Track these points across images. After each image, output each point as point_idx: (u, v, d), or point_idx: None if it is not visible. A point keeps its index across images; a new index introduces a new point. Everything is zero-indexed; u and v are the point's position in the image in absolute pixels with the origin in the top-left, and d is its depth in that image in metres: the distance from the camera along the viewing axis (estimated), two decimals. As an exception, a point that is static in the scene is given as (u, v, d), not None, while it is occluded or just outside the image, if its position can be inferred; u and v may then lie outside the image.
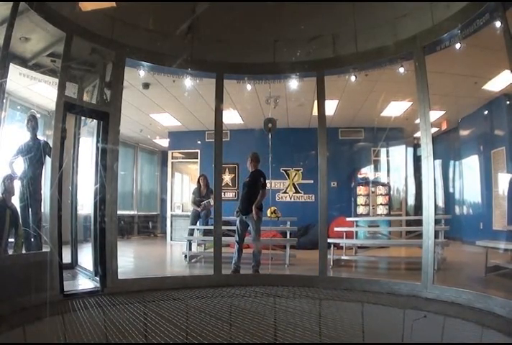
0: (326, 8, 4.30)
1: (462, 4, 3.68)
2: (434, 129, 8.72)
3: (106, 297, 3.71)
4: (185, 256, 6.62)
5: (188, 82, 5.56)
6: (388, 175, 9.52)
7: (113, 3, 4.03)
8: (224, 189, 8.23)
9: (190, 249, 6.67)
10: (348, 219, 7.56)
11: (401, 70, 5.05)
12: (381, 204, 9.13)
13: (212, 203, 7.10)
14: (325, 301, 3.97)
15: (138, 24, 4.41)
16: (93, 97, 4.74)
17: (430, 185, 3.94)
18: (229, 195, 9.79)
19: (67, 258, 4.86)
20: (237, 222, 5.57)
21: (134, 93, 6.80)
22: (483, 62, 5.33)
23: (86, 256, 5.13)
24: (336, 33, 4.70)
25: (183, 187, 10.99)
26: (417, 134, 7.12)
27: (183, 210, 10.15)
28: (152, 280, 4.52)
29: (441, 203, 9.77)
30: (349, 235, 6.80)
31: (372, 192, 9.17)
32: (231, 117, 8.50)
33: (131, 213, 11.43)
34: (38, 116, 4.97)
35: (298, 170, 9.72)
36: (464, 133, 9.07)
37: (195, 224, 7.57)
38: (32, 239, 4.45)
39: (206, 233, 7.22)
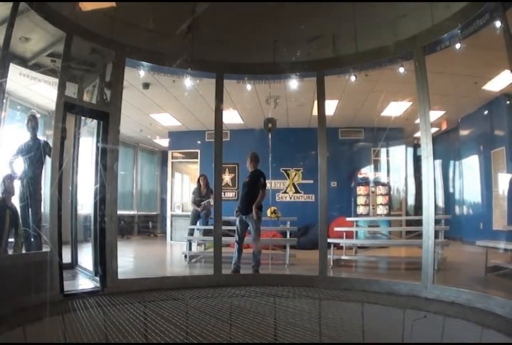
0: (326, 8, 4.30)
1: (462, 4, 3.68)
2: (434, 129, 8.74)
3: (106, 297, 3.71)
4: (185, 256, 6.62)
5: (188, 82, 5.55)
6: (388, 174, 9.52)
7: (113, 3, 4.02)
8: (223, 189, 8.25)
9: (190, 248, 6.67)
10: (348, 219, 7.56)
11: (401, 70, 5.05)
12: (381, 204, 9.13)
13: (212, 203, 7.11)
14: (325, 301, 3.97)
15: (138, 24, 4.41)
16: (93, 97, 4.74)
17: (430, 185, 3.94)
18: (229, 195, 9.79)
19: (67, 258, 4.86)
20: (237, 222, 5.57)
21: (134, 93, 6.80)
22: (483, 62, 5.33)
23: (86, 256, 5.13)
24: (336, 33, 4.70)
25: (183, 187, 11.00)
26: (417, 134, 7.11)
27: (183, 210, 10.15)
28: (152, 280, 4.52)
29: (441, 203, 9.78)
30: (349, 235, 6.80)
31: (372, 192, 9.17)
32: (231, 117, 8.50)
33: (131, 213, 11.44)
34: (38, 116, 4.96)
35: (298, 170, 9.72)
36: (464, 133, 9.07)
37: (195, 224, 7.57)
38: (32, 239, 4.45)
39: (206, 233, 7.23)
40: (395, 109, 7.69)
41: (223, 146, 4.93)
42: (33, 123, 4.75)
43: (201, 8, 4.22)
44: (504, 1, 3.39)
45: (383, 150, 9.51)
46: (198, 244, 7.31)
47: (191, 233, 7.36)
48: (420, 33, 4.08)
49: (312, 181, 8.85)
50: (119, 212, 5.00)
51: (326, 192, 4.75)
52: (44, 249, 4.08)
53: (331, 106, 7.51)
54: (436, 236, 4.13)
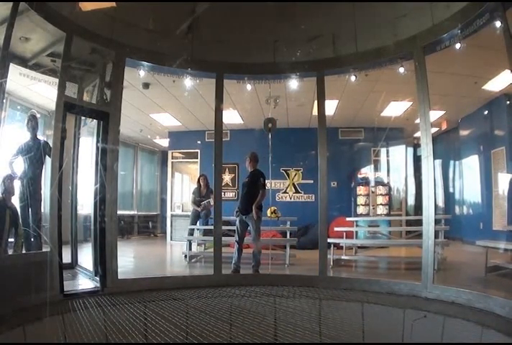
0: (326, 8, 4.30)
1: (462, 4, 3.67)
2: (434, 129, 8.74)
3: (106, 297, 3.71)
4: (185, 256, 6.62)
5: (188, 82, 5.55)
6: (388, 174, 9.52)
7: (113, 3, 4.03)
8: (223, 189, 8.24)
9: (190, 248, 6.67)
10: (348, 219, 7.56)
11: (401, 70, 5.05)
12: (381, 204, 9.13)
13: (212, 203, 7.11)
14: (325, 301, 3.97)
15: (138, 24, 4.41)
16: (93, 97, 4.74)
17: (430, 185, 3.94)
18: (229, 195, 9.79)
19: (67, 258, 4.86)
20: (237, 222, 5.57)
21: (134, 93, 6.80)
22: (483, 62, 5.33)
23: (86, 256, 5.13)
24: (336, 33, 4.70)
25: (183, 187, 11.00)
26: (417, 134, 7.11)
27: (183, 210, 10.15)
28: (152, 280, 4.52)
29: (441, 203, 9.77)
30: (349, 235, 6.80)
31: (372, 192, 9.17)
32: (231, 117, 8.50)
33: (131, 213, 11.44)
34: (38, 116, 4.96)
35: (298, 170, 9.72)
36: (464, 133, 9.07)
37: (195, 224, 7.57)
38: (32, 239, 4.45)
39: (206, 233, 7.23)
40: (395, 109, 7.69)
41: (223, 146, 4.93)
42: (33, 123, 4.75)
43: (201, 8, 4.23)
44: (504, 0, 3.39)
45: (383, 150, 9.51)
46: (198, 244, 7.30)
47: (191, 233, 7.36)
48: (420, 33, 4.08)
49: (312, 181, 8.85)
50: (119, 212, 5.00)
51: (326, 192, 4.74)
52: (44, 249, 4.07)
53: (331, 106, 7.51)
54: (436, 236, 4.13)
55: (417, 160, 8.91)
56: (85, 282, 4.43)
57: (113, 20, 4.27)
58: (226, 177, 9.86)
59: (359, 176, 9.52)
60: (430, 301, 3.67)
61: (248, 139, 8.11)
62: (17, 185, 4.48)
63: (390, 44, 4.32)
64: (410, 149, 9.83)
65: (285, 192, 9.78)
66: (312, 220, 7.50)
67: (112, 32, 4.27)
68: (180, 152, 10.51)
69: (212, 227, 5.34)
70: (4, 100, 3.64)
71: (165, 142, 11.06)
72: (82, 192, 5.12)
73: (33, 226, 4.40)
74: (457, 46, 4.11)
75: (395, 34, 4.29)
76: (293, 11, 4.41)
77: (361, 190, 9.26)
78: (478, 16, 3.63)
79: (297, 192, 9.76)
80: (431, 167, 3.95)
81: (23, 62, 4.56)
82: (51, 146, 3.92)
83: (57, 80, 3.92)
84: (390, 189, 9.26)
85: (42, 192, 4.62)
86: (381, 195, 9.18)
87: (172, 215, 10.11)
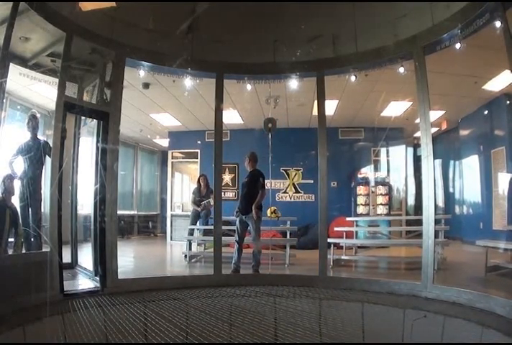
0: (326, 8, 4.30)
1: (462, 4, 3.67)
2: (434, 129, 8.73)
3: (106, 297, 3.71)
4: (185, 256, 6.62)
5: (188, 82, 5.54)
6: (388, 174, 9.51)
7: (113, 3, 4.02)
8: (223, 189, 8.23)
9: (190, 248, 6.67)
10: (348, 219, 7.57)
11: (401, 70, 5.04)
12: (381, 204, 9.13)
13: (212, 203, 7.11)
14: (325, 301, 3.97)
15: (138, 24, 4.41)
16: (93, 97, 4.74)
17: (430, 185, 3.94)
18: (229, 195, 9.79)
19: (67, 258, 4.86)
20: (237, 222, 5.57)
21: (134, 93, 6.80)
22: (483, 62, 5.32)
23: (86, 256, 5.13)
24: (336, 33, 4.70)
25: (183, 187, 11.00)
26: (417, 134, 7.10)
27: (183, 210, 10.16)
28: (152, 280, 4.52)
29: (441, 203, 9.77)
30: (349, 235, 6.80)
31: (372, 192, 9.16)
32: (231, 117, 8.49)
33: (131, 212, 11.44)
34: (38, 115, 4.96)
35: (298, 170, 9.72)
36: (464, 133, 9.07)
37: (195, 224, 7.57)
38: (32, 239, 4.45)
39: (206, 233, 7.22)
40: (395, 109, 7.68)
41: (223, 146, 4.93)
42: (33, 123, 4.75)
43: (201, 8, 4.22)
44: (504, 0, 3.39)
45: (383, 150, 9.51)
46: (198, 244, 7.30)
47: (191, 233, 7.36)
48: (420, 33, 4.08)
49: (312, 181, 8.85)
50: (119, 212, 4.99)
51: (326, 192, 4.75)
52: (44, 249, 4.08)
53: (331, 106, 7.50)
54: (436, 236, 4.13)
55: (417, 160, 8.90)
56: (85, 282, 4.43)
57: (113, 20, 4.27)
58: (226, 177, 9.86)
59: (359, 176, 9.51)
60: (430, 301, 3.67)
61: (248, 139, 8.10)
62: (17, 184, 4.48)
63: (390, 44, 4.32)
64: (410, 149, 9.83)
65: (285, 192, 9.78)
66: (312, 220, 7.49)
67: (112, 32, 4.27)
68: (180, 152, 10.51)
69: (212, 227, 5.34)
70: (4, 100, 3.64)
71: (165, 142, 11.06)
72: (82, 192, 5.12)
73: (33, 225, 4.40)
74: (457, 46, 4.11)
75: (395, 34, 4.29)
76: (293, 11, 4.40)
77: (361, 189, 9.25)
78: (478, 16, 3.63)
79: (297, 192, 9.75)
80: (431, 167, 3.95)
81: (23, 62, 4.56)
82: (51, 146, 3.91)
83: (57, 80, 3.91)
84: (390, 189, 9.26)
85: (42, 192, 4.62)
86: (381, 195, 9.17)
87: (172, 215, 10.11)
